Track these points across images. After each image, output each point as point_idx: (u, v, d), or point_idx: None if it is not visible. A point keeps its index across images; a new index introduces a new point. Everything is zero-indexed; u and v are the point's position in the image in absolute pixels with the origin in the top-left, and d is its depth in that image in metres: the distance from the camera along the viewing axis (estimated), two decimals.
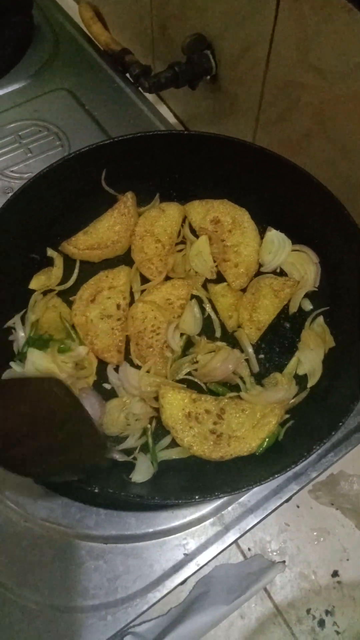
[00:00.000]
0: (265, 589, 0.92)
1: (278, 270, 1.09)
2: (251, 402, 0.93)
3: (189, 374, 0.99)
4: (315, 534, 0.97)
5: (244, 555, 0.95)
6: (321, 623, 0.90)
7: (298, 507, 0.98)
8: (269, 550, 0.95)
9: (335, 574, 0.94)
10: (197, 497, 0.77)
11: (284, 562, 0.94)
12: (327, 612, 0.91)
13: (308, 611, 0.92)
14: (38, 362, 0.91)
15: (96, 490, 0.76)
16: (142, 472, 0.87)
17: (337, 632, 0.89)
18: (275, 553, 0.95)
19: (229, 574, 0.92)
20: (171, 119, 1.48)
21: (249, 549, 0.95)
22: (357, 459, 1.01)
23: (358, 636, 0.89)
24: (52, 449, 0.70)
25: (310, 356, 0.99)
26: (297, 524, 0.97)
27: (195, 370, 0.98)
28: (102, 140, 1.08)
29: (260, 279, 1.06)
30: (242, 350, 1.00)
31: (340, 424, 0.79)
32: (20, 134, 1.34)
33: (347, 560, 0.95)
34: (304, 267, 1.07)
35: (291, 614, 0.91)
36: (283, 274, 1.08)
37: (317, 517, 0.98)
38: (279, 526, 0.96)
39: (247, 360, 1.00)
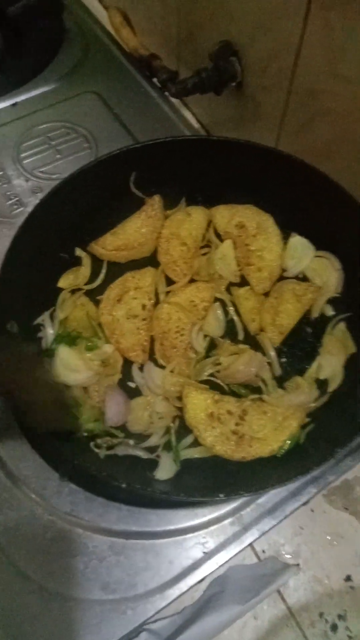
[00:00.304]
0: (279, 591, 0.93)
1: (301, 276, 1.10)
2: (273, 405, 0.95)
3: (211, 375, 1.00)
4: (329, 538, 0.97)
5: (258, 557, 0.95)
6: (334, 627, 0.90)
7: (312, 511, 0.99)
8: (283, 552, 0.96)
9: (348, 578, 0.94)
10: (222, 495, 0.79)
11: (298, 565, 0.94)
12: (339, 617, 0.91)
13: (321, 615, 0.92)
14: (66, 359, 0.94)
15: (123, 486, 0.77)
16: (166, 470, 0.89)
17: (350, 637, 0.89)
18: (289, 556, 0.95)
19: (243, 575, 0.93)
20: (194, 123, 1.50)
21: (264, 551, 0.96)
22: None
23: None
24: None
25: (331, 361, 1.00)
26: (311, 527, 0.98)
27: (218, 371, 0.99)
28: (133, 143, 1.10)
29: (283, 284, 1.07)
30: (264, 354, 1.01)
31: None
32: (49, 135, 1.36)
33: None
34: (327, 274, 1.08)
35: (304, 617, 0.91)
36: (305, 280, 1.09)
37: (331, 522, 0.98)
38: (293, 529, 0.97)
39: (269, 364, 1.00)
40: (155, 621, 0.89)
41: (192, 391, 0.95)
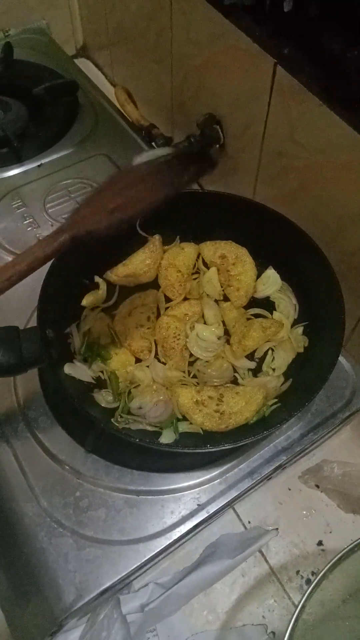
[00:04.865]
0: (262, 554, 1.04)
1: (265, 301, 1.24)
2: (244, 385, 1.10)
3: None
4: (304, 512, 1.09)
5: (245, 527, 1.07)
6: (308, 582, 1.01)
7: (289, 489, 1.11)
8: (266, 523, 1.07)
9: (320, 543, 1.06)
10: (208, 445, 0.96)
11: (277, 529, 1.05)
12: (312, 574, 1.02)
13: (297, 572, 1.03)
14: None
15: (137, 441, 0.94)
16: (167, 437, 1.03)
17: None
18: (270, 526, 1.06)
19: (232, 540, 1.03)
20: None
21: (249, 522, 1.08)
22: (337, 448, 1.16)
23: None
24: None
25: (283, 356, 1.17)
26: (289, 503, 1.09)
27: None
28: None
29: (255, 321, 1.19)
30: None
31: (312, 398, 0.98)
32: (69, 189, 1.51)
33: (330, 532, 1.07)
34: (286, 310, 1.23)
35: (283, 574, 1.02)
36: (270, 303, 1.24)
37: (306, 498, 1.10)
38: (274, 505, 1.09)
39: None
40: (160, 577, 0.99)
41: (178, 388, 1.08)
